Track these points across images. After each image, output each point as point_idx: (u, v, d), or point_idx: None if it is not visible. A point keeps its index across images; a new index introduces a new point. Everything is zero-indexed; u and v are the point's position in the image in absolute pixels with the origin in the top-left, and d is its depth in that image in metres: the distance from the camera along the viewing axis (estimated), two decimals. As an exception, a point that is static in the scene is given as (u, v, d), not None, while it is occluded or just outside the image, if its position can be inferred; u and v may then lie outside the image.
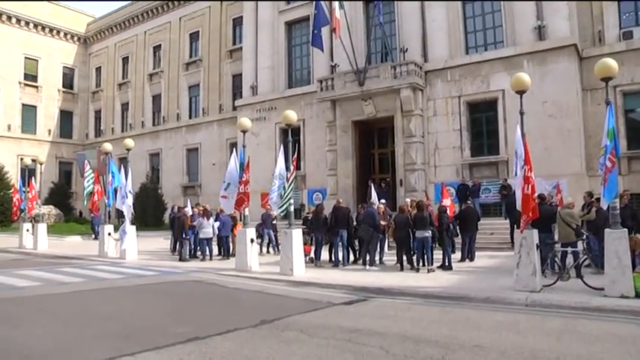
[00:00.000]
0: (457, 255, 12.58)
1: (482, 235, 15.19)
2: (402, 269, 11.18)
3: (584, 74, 17.33)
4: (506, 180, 16.58)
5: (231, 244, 14.97)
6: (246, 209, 12.24)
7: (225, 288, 9.72)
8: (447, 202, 13.38)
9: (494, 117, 18.35)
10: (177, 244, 15.19)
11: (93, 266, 13.21)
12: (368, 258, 11.87)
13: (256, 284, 10.07)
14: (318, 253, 12.63)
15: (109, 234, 15.80)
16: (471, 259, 12.21)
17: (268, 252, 15.50)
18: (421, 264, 11.18)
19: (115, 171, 15.93)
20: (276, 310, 7.49)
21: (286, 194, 11.36)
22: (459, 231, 12.32)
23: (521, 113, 8.83)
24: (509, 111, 17.67)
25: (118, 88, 35.11)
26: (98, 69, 36.81)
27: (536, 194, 8.52)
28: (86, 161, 20.12)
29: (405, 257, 11.50)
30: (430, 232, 10.88)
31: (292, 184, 11.46)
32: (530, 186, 8.12)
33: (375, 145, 22.42)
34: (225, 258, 14.50)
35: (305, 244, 12.67)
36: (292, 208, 11.48)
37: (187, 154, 30.27)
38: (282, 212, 11.59)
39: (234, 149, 13.72)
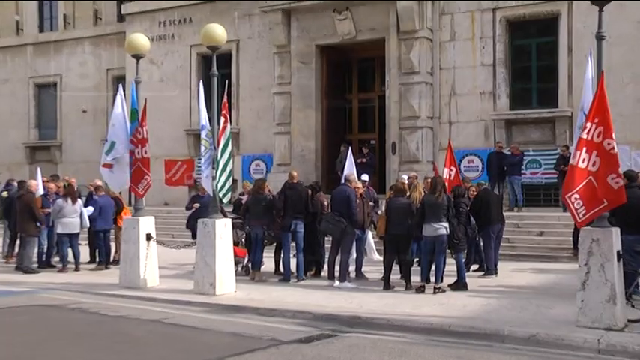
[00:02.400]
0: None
1: (524, 236, 15.52)
2: (388, 287, 11.35)
3: None
4: (567, 148, 16.85)
5: (113, 245, 14.86)
6: (146, 188, 12.11)
7: (102, 317, 9.67)
8: (447, 173, 13.70)
9: (552, 45, 18.62)
10: (18, 244, 15.00)
11: None
12: (337, 268, 11.86)
13: (155, 310, 10.09)
14: (257, 258, 12.68)
15: None
16: (490, 271, 12.44)
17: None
18: (418, 278, 11.24)
19: None
20: (184, 355, 7.45)
21: (219, 166, 11.20)
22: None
23: (600, 38, 8.75)
24: (577, 35, 17.92)
25: None
26: None
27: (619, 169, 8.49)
28: None
29: (400, 268, 11.62)
30: (447, 227, 10.98)
31: (227, 147, 11.39)
32: (607, 157, 8.11)
33: (353, 87, 22.43)
34: (102, 267, 14.45)
35: (237, 244, 12.64)
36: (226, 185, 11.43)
37: (37, 94, 29.70)
38: (224, 197, 11.43)
39: (120, 87, 13.36)
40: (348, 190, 12.11)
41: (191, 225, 13.89)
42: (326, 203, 13.17)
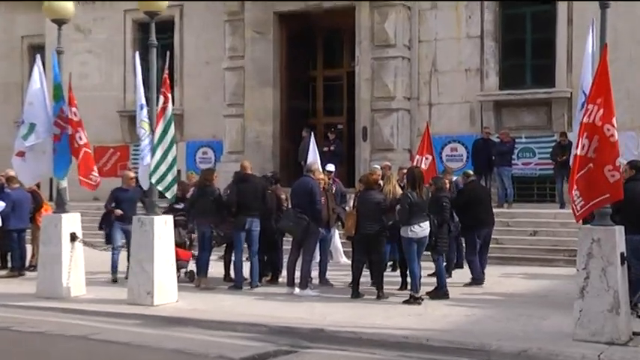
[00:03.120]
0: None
1: (514, 236, 15.65)
2: (357, 295, 11.37)
3: None
4: (565, 135, 17.09)
5: (29, 247, 14.68)
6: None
7: (14, 335, 9.46)
8: (422, 161, 13.72)
9: (550, 15, 18.75)
10: None
11: None
12: (299, 274, 11.90)
13: (81, 324, 9.96)
14: (203, 262, 12.66)
15: None
16: (477, 280, 12.47)
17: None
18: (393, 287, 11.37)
19: None
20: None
21: (158, 153, 11.07)
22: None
23: (604, 5, 8.73)
24: (579, 3, 17.91)
25: None
26: None
27: (621, 159, 8.59)
28: None
29: (371, 273, 11.73)
30: (428, 226, 11.01)
31: (168, 132, 11.21)
32: (607, 144, 8.20)
33: (318, 63, 22.43)
34: (16, 274, 14.27)
35: (180, 245, 12.59)
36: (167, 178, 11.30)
37: None
38: (166, 191, 11.33)
39: (38, 58, 13.09)
40: (311, 182, 12.07)
41: (106, 227, 13.60)
42: (284, 197, 13.15)
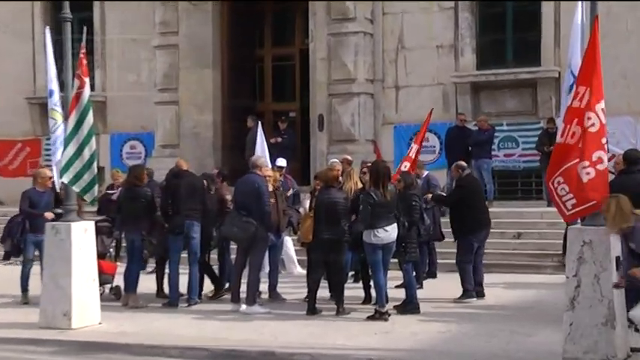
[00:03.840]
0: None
1: (496, 239, 15.64)
2: (314, 312, 11.38)
3: None
4: (554, 122, 17.19)
5: None
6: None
7: None
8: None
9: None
10: None
11: None
12: (246, 287, 11.89)
13: None
14: (132, 276, 12.56)
15: None
16: (468, 294, 12.44)
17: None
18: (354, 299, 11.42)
19: None
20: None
21: (71, 148, 10.94)
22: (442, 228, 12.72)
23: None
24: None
25: None
26: None
27: (616, 148, 8.65)
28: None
29: (329, 286, 11.87)
30: (396, 229, 11.04)
31: (85, 122, 11.10)
32: (594, 133, 8.31)
33: (266, 40, 22.45)
34: None
35: (103, 257, 12.55)
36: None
37: None
38: (84, 192, 11.22)
39: None
40: (257, 179, 12.00)
41: (11, 238, 13.14)
42: (229, 197, 13.12)
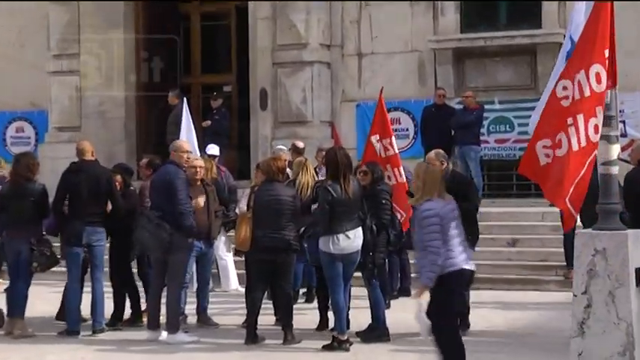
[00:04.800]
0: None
1: (486, 247, 15.78)
2: (255, 339, 11.38)
3: None
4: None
5: None
6: None
7: None
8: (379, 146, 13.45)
9: None
10: None
11: None
12: (165, 309, 11.89)
13: None
14: (18, 297, 12.43)
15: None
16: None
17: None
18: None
19: None
20: None
21: None
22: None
23: None
24: None
25: None
26: None
27: (635, 132, 8.70)
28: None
29: (274, 307, 12.05)
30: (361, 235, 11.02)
31: None
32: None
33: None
34: None
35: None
36: None
37: None
38: None
39: None
40: (171, 170, 11.98)
41: None
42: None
